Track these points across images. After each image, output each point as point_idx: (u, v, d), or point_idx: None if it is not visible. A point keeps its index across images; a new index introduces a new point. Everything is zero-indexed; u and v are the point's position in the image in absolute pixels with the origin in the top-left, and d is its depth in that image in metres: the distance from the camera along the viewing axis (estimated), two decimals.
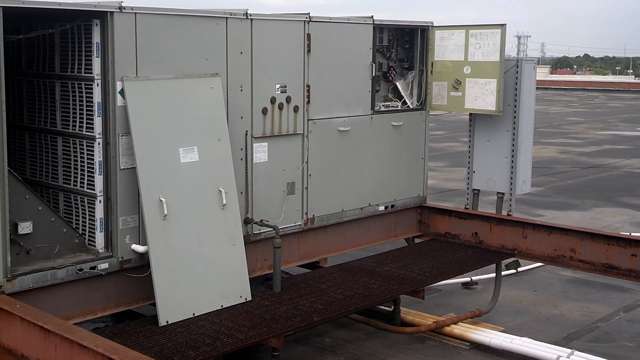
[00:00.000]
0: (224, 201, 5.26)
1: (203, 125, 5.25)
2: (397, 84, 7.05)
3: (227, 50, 5.46)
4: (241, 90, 5.60)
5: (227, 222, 5.31)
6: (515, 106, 6.76)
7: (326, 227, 6.46)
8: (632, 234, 10.31)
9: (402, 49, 7.15)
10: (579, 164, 17.89)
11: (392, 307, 6.73)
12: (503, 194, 6.99)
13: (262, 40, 5.69)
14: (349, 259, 6.78)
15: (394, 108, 6.94)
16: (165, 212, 4.94)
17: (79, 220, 5.10)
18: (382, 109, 6.83)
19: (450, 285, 8.04)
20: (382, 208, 6.91)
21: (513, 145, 6.82)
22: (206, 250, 5.18)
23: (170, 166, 5.04)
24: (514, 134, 6.80)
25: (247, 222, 5.75)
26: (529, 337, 6.39)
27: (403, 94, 7.06)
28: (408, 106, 7.07)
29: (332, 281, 5.92)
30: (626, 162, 18.40)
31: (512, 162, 6.85)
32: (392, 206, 7.02)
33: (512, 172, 6.86)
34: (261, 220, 5.75)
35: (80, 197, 5.06)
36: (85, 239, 5.02)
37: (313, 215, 6.30)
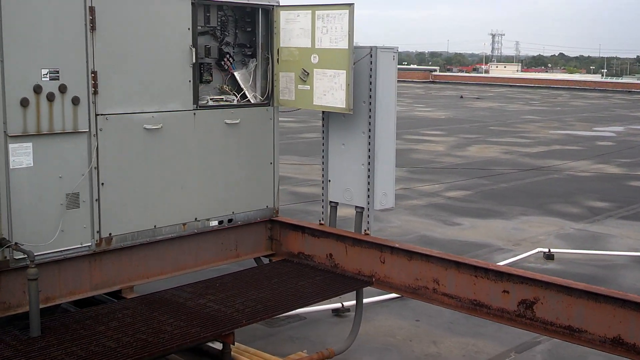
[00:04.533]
0: None
1: None
2: (235, 74, 5.79)
3: None
4: None
5: None
6: (370, 103, 5.52)
7: (131, 248, 5.17)
8: (552, 250, 9.23)
9: (242, 32, 5.88)
10: (520, 166, 16.79)
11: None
12: (362, 208, 5.76)
13: (19, 10, 4.37)
14: (177, 284, 5.50)
15: (228, 103, 5.67)
16: None
17: None
18: (211, 103, 5.56)
19: (319, 313, 6.81)
20: (214, 223, 5.64)
21: (369, 150, 5.59)
22: None
23: None
24: (369, 136, 5.56)
25: (1, 244, 4.46)
26: None
27: (242, 85, 5.80)
28: (248, 100, 5.81)
29: (119, 321, 4.63)
30: (571, 165, 17.35)
31: (369, 170, 5.61)
32: (230, 221, 5.75)
33: (369, 183, 5.62)
34: (16, 244, 4.45)
35: None
36: None
37: (110, 234, 5.01)
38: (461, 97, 44.26)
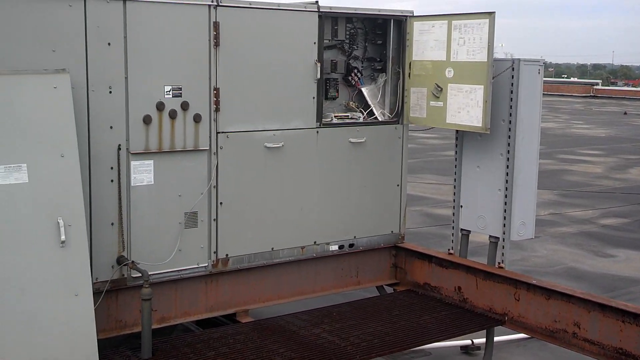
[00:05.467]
0: (63, 236, 3.97)
1: (38, 136, 3.98)
2: (363, 89, 5.50)
3: (86, 40, 4.20)
4: (110, 92, 4.31)
5: (67, 265, 4.01)
6: (510, 122, 5.02)
7: (248, 270, 5.03)
8: None
9: (372, 46, 5.59)
10: None
11: None
12: (497, 238, 5.24)
13: (143, 28, 4.37)
14: (293, 310, 5.29)
15: (353, 120, 5.39)
16: None
17: None
18: (335, 120, 5.31)
19: (446, 349, 6.30)
20: (334, 247, 5.38)
21: (507, 174, 5.07)
22: (32, 301, 3.90)
23: None
24: (508, 159, 5.05)
25: (119, 262, 4.46)
26: None
27: (370, 102, 5.50)
28: (376, 118, 5.50)
29: (229, 347, 4.48)
30: None
31: (506, 197, 5.09)
32: (351, 245, 5.46)
33: (505, 210, 5.10)
34: (132, 262, 4.43)
35: None
36: None
37: (227, 255, 4.89)
38: (625, 113, 41.17)
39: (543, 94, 5.29)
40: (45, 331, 3.93)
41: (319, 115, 5.14)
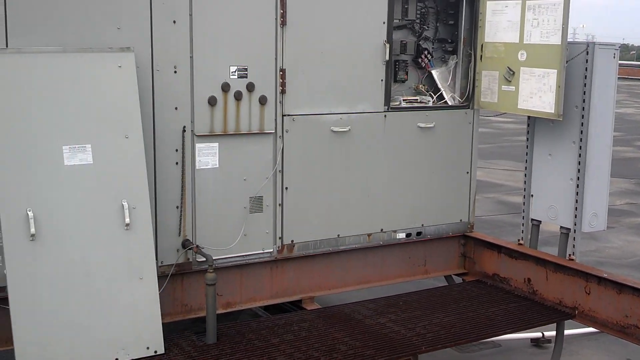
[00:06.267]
0: (127, 219, 3.94)
1: (103, 117, 3.95)
2: (433, 72, 5.29)
3: (151, 18, 4.13)
4: (175, 72, 4.25)
5: (131, 248, 3.99)
6: (583, 109, 4.74)
7: (313, 257, 4.92)
8: None
9: (444, 26, 5.37)
10: None
11: None
12: (568, 229, 4.98)
13: (209, 6, 4.28)
14: (359, 298, 5.16)
15: (422, 104, 5.19)
16: (33, 230, 3.72)
17: None
18: (403, 104, 5.12)
19: (516, 341, 6.08)
20: (401, 235, 5.22)
21: (579, 163, 4.80)
22: (97, 284, 3.90)
23: (47, 169, 3.81)
24: (580, 147, 4.78)
25: (184, 245, 4.42)
26: None
27: (440, 85, 5.29)
28: (445, 102, 5.29)
29: (294, 334, 4.39)
30: None
31: (578, 186, 4.82)
32: (419, 234, 5.29)
33: (577, 201, 4.83)
34: (197, 246, 4.38)
35: None
36: None
37: (292, 241, 4.80)
38: None
39: (624, 77, 4.99)
40: (110, 314, 3.92)
41: (387, 99, 4.97)
